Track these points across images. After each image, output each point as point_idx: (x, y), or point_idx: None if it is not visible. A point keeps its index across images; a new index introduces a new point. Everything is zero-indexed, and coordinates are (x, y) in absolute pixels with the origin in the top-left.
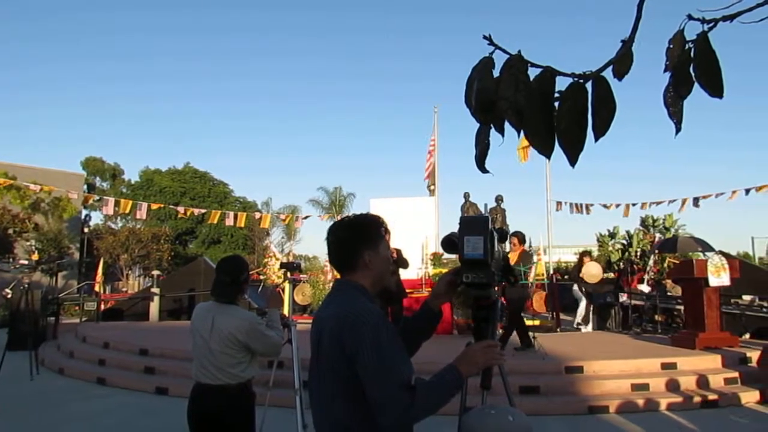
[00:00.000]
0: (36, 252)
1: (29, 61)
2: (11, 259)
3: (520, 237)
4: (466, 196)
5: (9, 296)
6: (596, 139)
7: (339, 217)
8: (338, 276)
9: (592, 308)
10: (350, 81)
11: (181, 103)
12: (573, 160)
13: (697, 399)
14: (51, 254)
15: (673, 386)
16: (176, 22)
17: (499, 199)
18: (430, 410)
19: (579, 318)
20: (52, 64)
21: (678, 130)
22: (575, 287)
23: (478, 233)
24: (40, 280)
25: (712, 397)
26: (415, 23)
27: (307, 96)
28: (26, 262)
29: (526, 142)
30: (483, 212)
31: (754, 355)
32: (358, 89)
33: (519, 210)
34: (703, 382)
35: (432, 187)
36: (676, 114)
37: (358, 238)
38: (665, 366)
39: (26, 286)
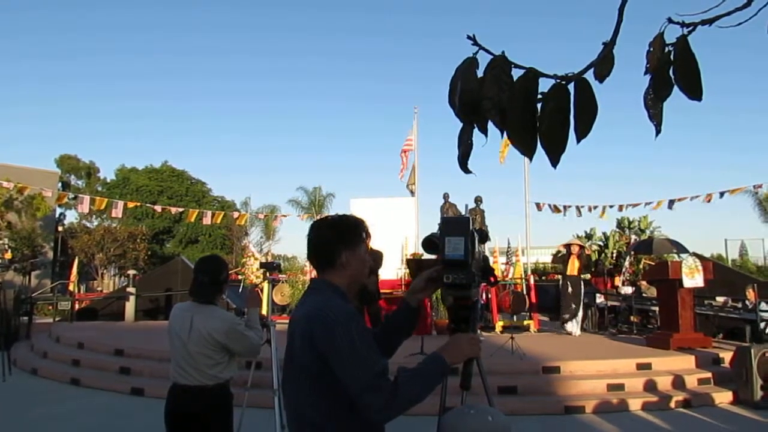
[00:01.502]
0: (9, 251)
1: (4, 58)
2: None
3: None
4: (446, 196)
5: None
6: (578, 141)
7: (318, 217)
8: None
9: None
10: (330, 80)
11: (158, 101)
12: (555, 161)
13: (671, 399)
14: (24, 253)
15: (648, 386)
16: (153, 20)
17: (478, 200)
18: (414, 399)
19: (574, 324)
20: (25, 60)
21: (658, 131)
22: (568, 286)
23: (460, 234)
24: (13, 279)
25: (686, 397)
26: (395, 24)
27: (287, 95)
28: None
29: (507, 144)
30: (462, 213)
31: (726, 355)
32: (338, 89)
33: (498, 211)
34: (677, 382)
35: (412, 188)
36: (656, 116)
37: (337, 238)
38: (640, 366)
39: None
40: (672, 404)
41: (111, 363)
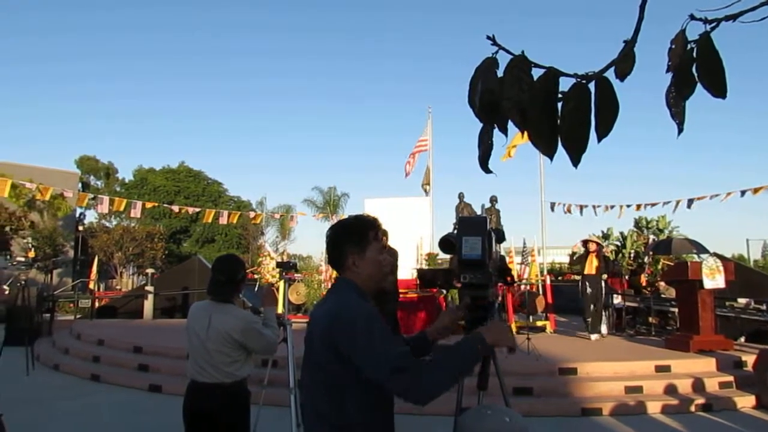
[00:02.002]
0: (32, 249)
1: (23, 59)
2: (8, 256)
3: None
4: (461, 196)
5: (6, 292)
6: (599, 140)
7: (333, 217)
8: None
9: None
10: (345, 81)
11: (175, 101)
12: (576, 161)
13: (691, 402)
14: (46, 252)
15: (667, 389)
16: (171, 21)
17: (493, 199)
18: (449, 374)
19: (602, 326)
20: (45, 62)
21: (680, 130)
22: (587, 286)
23: (477, 234)
24: (36, 277)
25: (706, 401)
26: (411, 23)
27: (302, 95)
28: (23, 260)
29: (514, 142)
30: (478, 212)
31: (749, 359)
32: (353, 89)
33: (513, 210)
34: (697, 385)
35: (426, 187)
36: (678, 115)
37: (344, 240)
38: (659, 369)
39: (23, 282)
40: (692, 408)
41: (130, 360)
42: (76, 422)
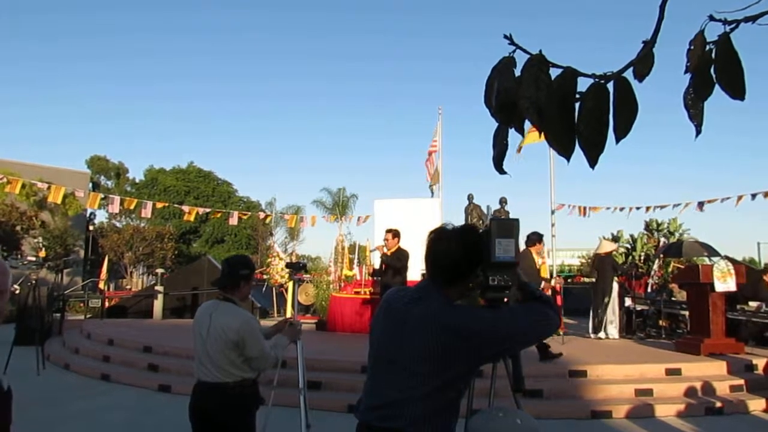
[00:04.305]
0: (43, 249)
1: (33, 59)
2: (19, 256)
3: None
4: (470, 197)
5: (17, 292)
6: (617, 141)
7: (343, 219)
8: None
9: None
10: (354, 82)
11: (185, 102)
12: (593, 162)
13: (702, 406)
14: (57, 251)
15: (677, 392)
16: (180, 22)
17: (503, 201)
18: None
19: (612, 328)
20: (56, 62)
21: (698, 132)
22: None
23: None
24: (46, 276)
25: (717, 404)
26: (420, 24)
27: (311, 97)
28: (34, 259)
29: (526, 140)
30: (486, 214)
31: (760, 362)
32: (363, 90)
33: (522, 212)
34: (708, 388)
35: (433, 188)
36: (696, 116)
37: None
38: (670, 372)
39: (34, 282)
40: (703, 411)
41: (140, 360)
42: (87, 421)
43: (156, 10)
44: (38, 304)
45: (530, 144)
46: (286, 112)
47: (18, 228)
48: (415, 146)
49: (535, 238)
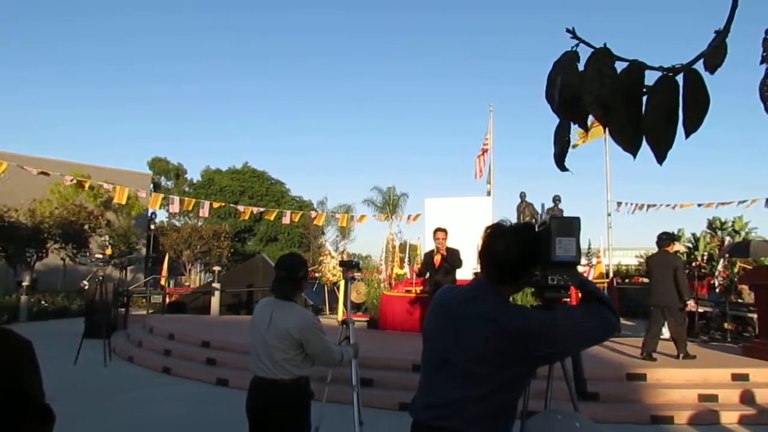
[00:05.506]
0: (109, 247)
1: (99, 61)
2: (87, 253)
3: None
4: (522, 195)
5: (86, 287)
6: (687, 136)
7: (393, 217)
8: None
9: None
10: (405, 81)
11: (239, 103)
12: (661, 157)
13: None
14: (121, 249)
15: (744, 399)
16: (238, 24)
17: (556, 199)
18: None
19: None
20: (118, 64)
21: None
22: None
23: (570, 235)
24: (111, 273)
25: None
26: (471, 21)
27: (363, 96)
28: (101, 256)
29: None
30: (539, 212)
31: None
32: (413, 90)
33: (576, 211)
34: None
35: (488, 187)
36: None
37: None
38: (736, 377)
39: (101, 278)
40: None
41: (198, 354)
42: (150, 411)
43: (213, 12)
44: (105, 300)
45: (583, 144)
46: (338, 112)
47: (86, 227)
48: (465, 144)
49: (665, 237)
